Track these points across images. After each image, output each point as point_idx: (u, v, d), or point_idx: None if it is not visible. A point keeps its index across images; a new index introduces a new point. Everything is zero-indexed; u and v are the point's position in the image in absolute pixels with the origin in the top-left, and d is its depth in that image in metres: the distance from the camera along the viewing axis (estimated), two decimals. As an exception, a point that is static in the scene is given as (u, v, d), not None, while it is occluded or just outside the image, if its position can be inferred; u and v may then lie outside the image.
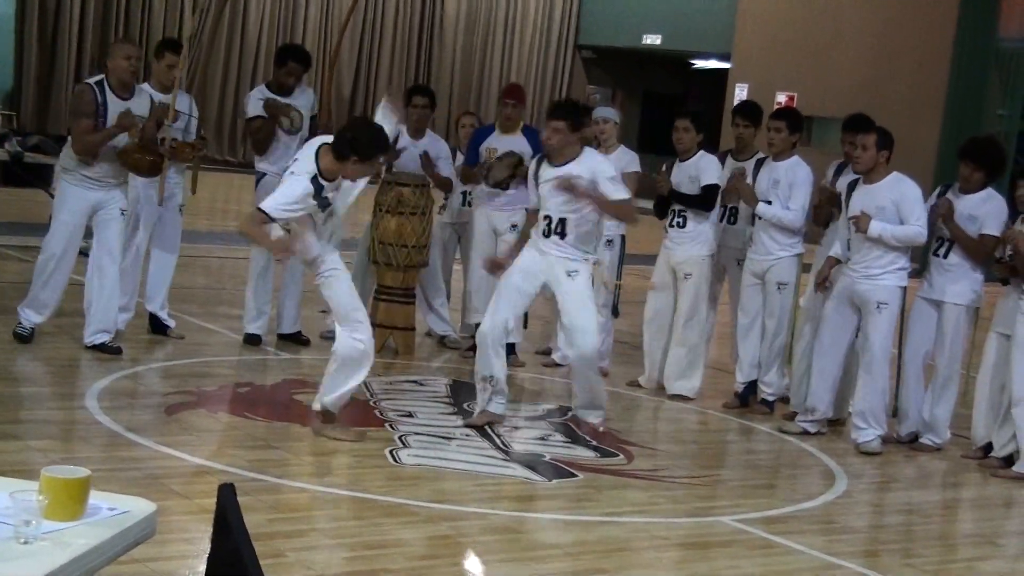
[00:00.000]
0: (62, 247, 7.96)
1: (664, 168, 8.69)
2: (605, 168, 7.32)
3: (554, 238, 7.28)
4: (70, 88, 20.27)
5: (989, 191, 7.83)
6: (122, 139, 7.81)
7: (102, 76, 7.94)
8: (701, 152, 8.55)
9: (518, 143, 9.01)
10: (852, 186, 7.87)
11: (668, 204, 8.61)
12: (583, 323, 7.26)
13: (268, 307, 8.90)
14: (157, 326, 8.76)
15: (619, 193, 7.26)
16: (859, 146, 7.66)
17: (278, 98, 8.75)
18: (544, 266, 7.32)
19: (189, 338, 8.79)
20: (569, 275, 7.28)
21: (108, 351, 8.04)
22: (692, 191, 8.45)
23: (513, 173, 8.89)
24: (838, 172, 8.48)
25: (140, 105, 7.89)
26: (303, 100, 8.86)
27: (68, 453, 5.99)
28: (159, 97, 8.32)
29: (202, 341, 8.84)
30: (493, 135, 9.14)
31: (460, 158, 9.59)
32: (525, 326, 9.59)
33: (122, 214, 8.03)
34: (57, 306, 8.14)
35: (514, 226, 9.03)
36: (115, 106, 7.78)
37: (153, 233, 8.59)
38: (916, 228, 7.59)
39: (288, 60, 8.84)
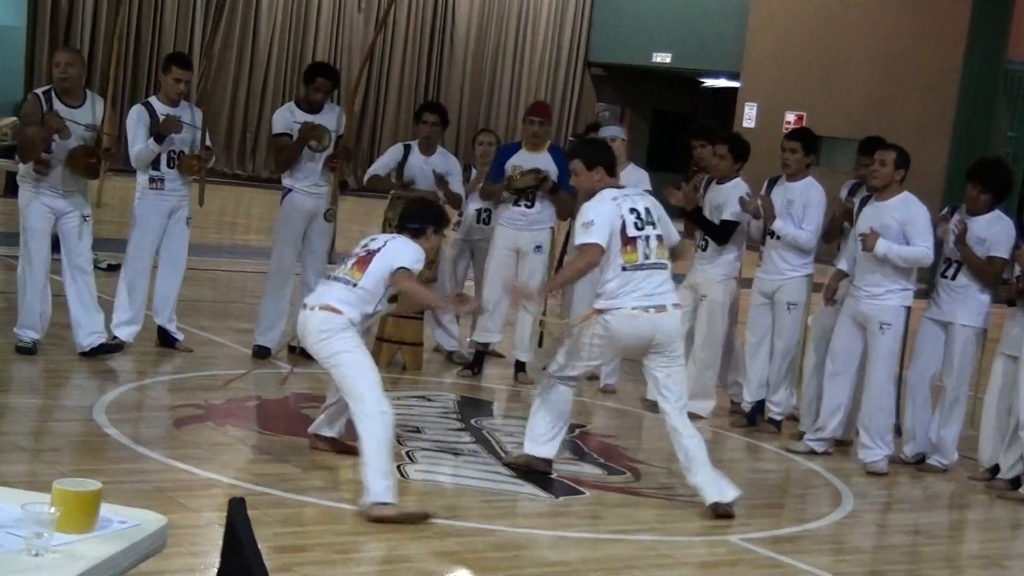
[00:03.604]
0: (40, 255, 8.02)
1: (701, 182, 8.70)
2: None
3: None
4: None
5: (997, 213, 7.85)
6: (70, 143, 7.86)
7: (50, 86, 8.06)
8: (738, 180, 8.56)
9: (544, 161, 8.98)
10: (864, 203, 7.89)
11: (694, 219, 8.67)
12: None
13: (283, 321, 8.88)
14: (165, 339, 8.78)
15: None
16: (877, 161, 7.68)
17: (312, 119, 8.73)
18: None
19: (197, 351, 8.80)
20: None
21: (109, 349, 8.12)
22: (713, 217, 8.47)
23: (536, 185, 8.88)
24: (852, 192, 8.48)
25: (88, 111, 7.96)
26: (331, 118, 8.88)
27: (77, 465, 6.00)
28: (164, 111, 8.37)
29: (210, 354, 8.86)
30: (519, 152, 9.10)
31: (473, 173, 9.61)
32: (540, 344, 9.60)
33: (85, 220, 8.09)
34: (49, 315, 8.17)
35: (539, 247, 9.05)
36: (64, 113, 7.85)
37: (160, 246, 8.63)
38: (923, 249, 7.60)
39: (317, 77, 8.87)
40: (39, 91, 8.07)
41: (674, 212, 8.66)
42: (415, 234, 6.36)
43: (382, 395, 5.97)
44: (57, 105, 7.87)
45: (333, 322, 6.05)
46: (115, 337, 8.43)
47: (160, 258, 8.68)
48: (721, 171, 8.57)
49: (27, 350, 8.04)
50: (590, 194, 6.63)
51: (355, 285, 6.14)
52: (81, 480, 2.98)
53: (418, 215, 6.48)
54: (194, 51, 22.69)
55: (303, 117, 8.79)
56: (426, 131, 9.22)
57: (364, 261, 6.21)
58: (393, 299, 6.37)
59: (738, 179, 8.57)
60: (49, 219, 8.03)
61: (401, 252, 6.25)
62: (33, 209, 8.00)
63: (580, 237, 6.49)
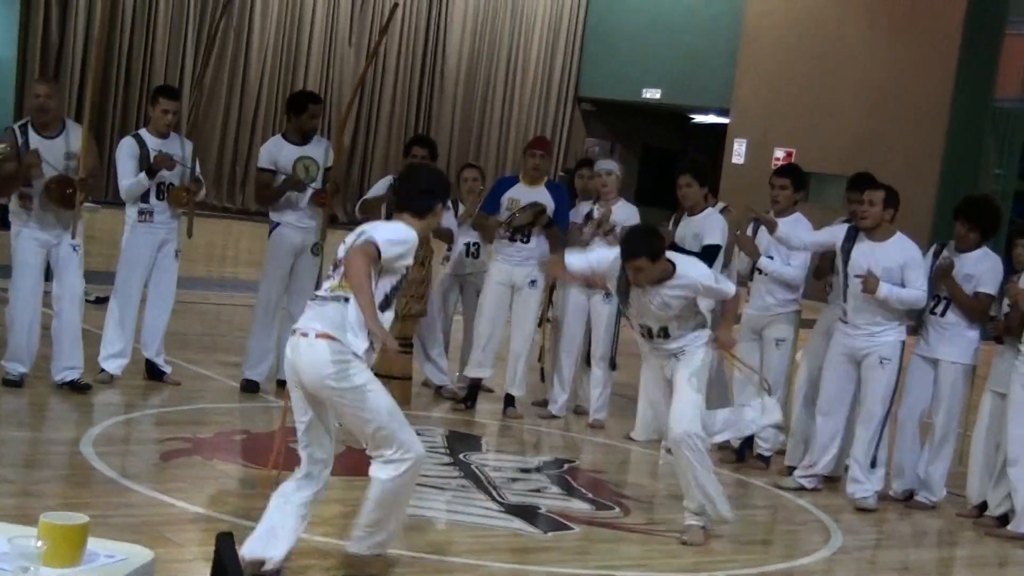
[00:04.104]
0: (26, 289, 8.00)
1: (672, 221, 8.72)
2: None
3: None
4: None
5: (985, 250, 7.88)
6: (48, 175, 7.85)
7: (27, 119, 8.07)
8: (710, 210, 8.57)
9: (541, 196, 9.02)
10: (848, 239, 7.86)
11: None
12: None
13: (271, 355, 8.87)
14: (153, 372, 8.75)
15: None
16: (867, 201, 7.70)
17: (302, 152, 8.78)
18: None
19: (185, 384, 8.78)
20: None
21: (77, 388, 8.08)
22: (694, 248, 8.47)
23: (533, 222, 8.91)
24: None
25: (65, 142, 7.96)
26: (319, 150, 8.90)
27: (64, 499, 5.97)
28: (154, 143, 8.37)
29: (198, 388, 8.83)
30: (517, 186, 9.13)
31: (461, 208, 9.61)
32: (542, 379, 9.59)
33: (74, 250, 8.07)
34: (37, 350, 8.14)
35: (533, 282, 9.05)
36: (41, 144, 7.87)
37: (149, 278, 8.61)
38: (918, 292, 7.61)
39: (308, 104, 8.90)
40: (15, 125, 8.07)
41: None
42: (420, 214, 5.42)
43: (415, 435, 5.34)
44: (33, 137, 7.88)
45: (341, 351, 5.11)
46: (103, 370, 8.41)
47: (149, 291, 8.67)
48: (691, 200, 8.56)
49: (14, 383, 8.01)
50: (660, 278, 6.49)
51: (347, 300, 5.16)
52: (68, 514, 2.97)
53: (420, 191, 5.47)
54: (185, 83, 22.74)
55: (291, 150, 8.80)
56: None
57: None
58: (385, 305, 5.25)
59: (710, 209, 8.57)
60: (39, 253, 8.03)
61: (377, 228, 5.26)
62: (22, 243, 8.00)
63: (725, 287, 6.71)
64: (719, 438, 6.99)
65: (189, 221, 8.61)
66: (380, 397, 5.20)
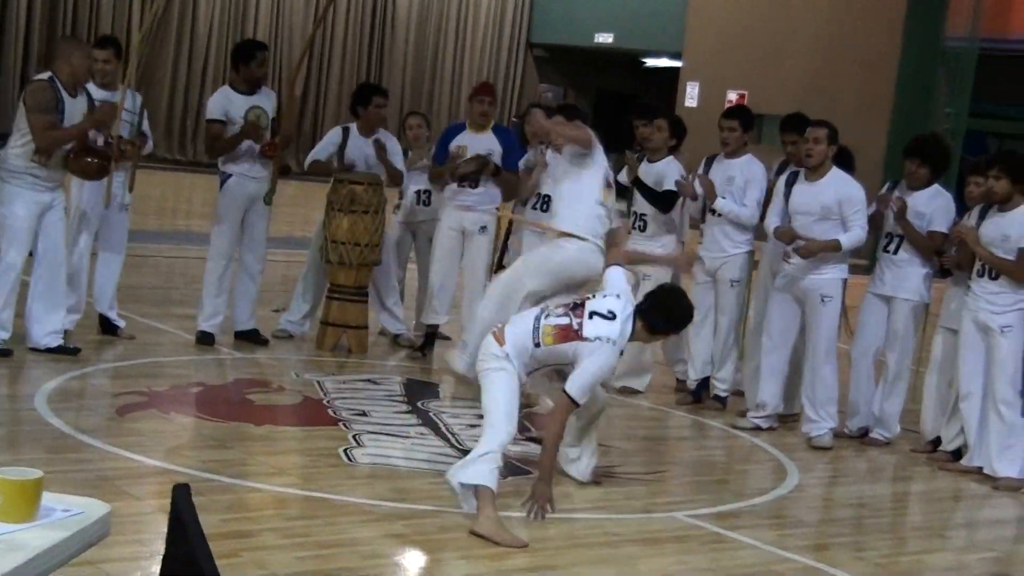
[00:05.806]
0: (23, 255, 7.75)
1: (635, 157, 8.75)
2: None
3: None
4: (17, 87, 20.10)
5: (936, 188, 7.93)
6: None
7: (50, 73, 7.80)
8: (670, 158, 8.61)
9: (489, 141, 9.00)
10: (790, 181, 7.90)
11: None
12: None
13: (224, 308, 8.84)
14: (107, 326, 8.70)
15: None
16: (812, 139, 7.72)
17: (251, 103, 8.69)
18: None
19: (140, 338, 8.73)
20: None
21: (66, 352, 7.94)
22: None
23: (480, 169, 8.88)
24: (780, 171, 8.53)
25: (83, 103, 7.79)
26: (267, 100, 8.82)
27: (18, 454, 5.93)
28: (100, 95, 8.23)
29: (153, 341, 8.79)
30: (464, 132, 9.10)
31: (411, 156, 9.59)
32: None
33: (64, 215, 7.94)
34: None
35: (483, 228, 9.03)
36: (70, 104, 7.65)
37: (99, 233, 8.52)
38: (859, 232, 7.64)
39: (256, 52, 8.82)
40: (44, 78, 7.75)
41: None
42: (652, 329, 6.12)
43: None
44: (63, 95, 7.63)
45: None
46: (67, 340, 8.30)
47: (99, 245, 8.59)
48: (655, 144, 8.60)
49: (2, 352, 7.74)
50: None
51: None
52: (23, 469, 2.95)
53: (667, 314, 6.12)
54: (132, 35, 22.44)
55: (241, 100, 8.71)
56: (379, 116, 9.18)
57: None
58: None
59: (670, 157, 8.62)
60: (38, 216, 7.74)
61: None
62: (22, 206, 7.67)
63: None
64: None
65: (131, 175, 8.49)
66: None
